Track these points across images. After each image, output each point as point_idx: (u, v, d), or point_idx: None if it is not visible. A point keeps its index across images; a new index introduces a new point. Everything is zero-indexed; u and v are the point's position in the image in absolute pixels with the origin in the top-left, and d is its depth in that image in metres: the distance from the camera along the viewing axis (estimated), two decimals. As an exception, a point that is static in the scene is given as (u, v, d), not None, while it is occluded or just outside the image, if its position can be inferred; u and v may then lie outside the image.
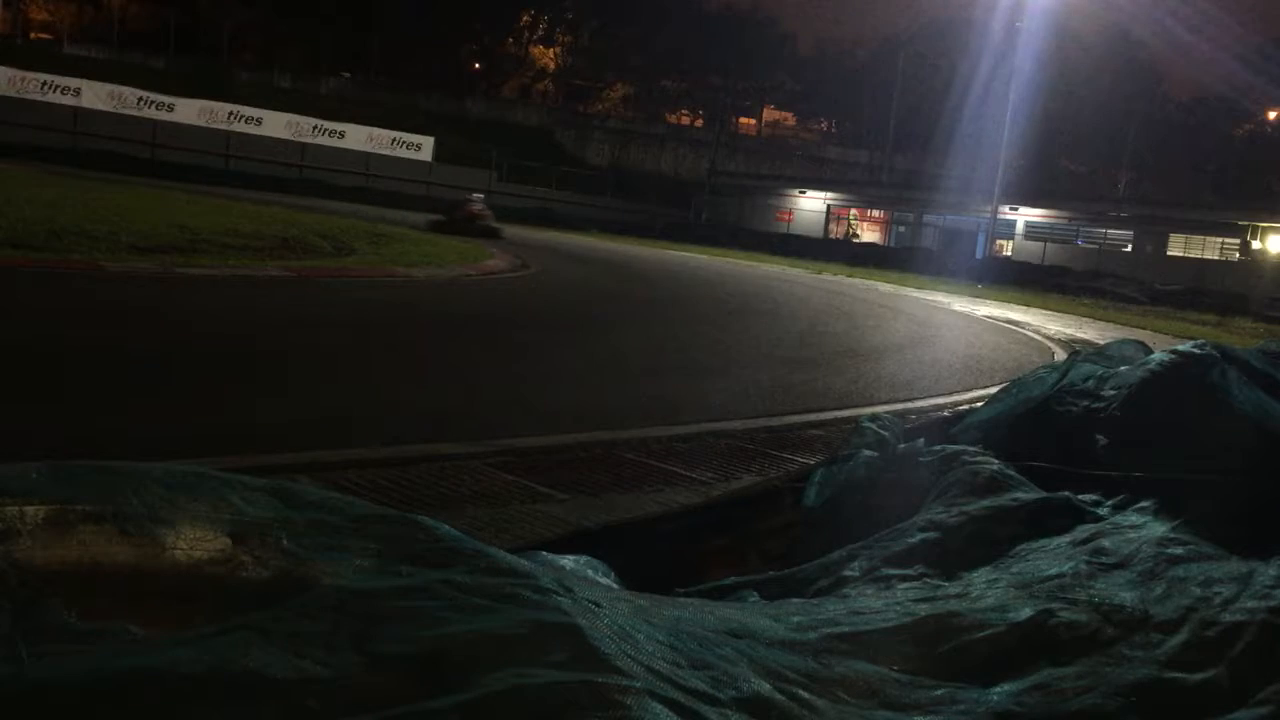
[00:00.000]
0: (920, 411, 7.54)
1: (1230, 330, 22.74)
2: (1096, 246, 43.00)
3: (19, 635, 1.27)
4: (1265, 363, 3.08)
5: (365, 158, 45.06)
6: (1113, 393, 3.08)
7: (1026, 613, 1.96)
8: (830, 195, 51.73)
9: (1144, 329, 19.14)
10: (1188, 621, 1.94)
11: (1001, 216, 41.30)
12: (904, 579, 2.29)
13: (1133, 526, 2.43)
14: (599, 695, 1.24)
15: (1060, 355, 11.88)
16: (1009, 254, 43.58)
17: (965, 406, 5.43)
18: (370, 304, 11.54)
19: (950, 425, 3.40)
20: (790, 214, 51.30)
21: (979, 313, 20.78)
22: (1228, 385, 2.92)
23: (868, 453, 3.01)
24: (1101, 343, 5.04)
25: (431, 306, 12.07)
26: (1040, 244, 43.60)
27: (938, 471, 2.76)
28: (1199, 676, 1.80)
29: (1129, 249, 42.72)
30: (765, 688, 1.51)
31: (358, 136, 46.19)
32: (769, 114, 74.98)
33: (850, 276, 29.92)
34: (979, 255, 41.22)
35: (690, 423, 6.45)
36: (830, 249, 43.01)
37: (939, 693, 1.73)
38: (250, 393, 6.13)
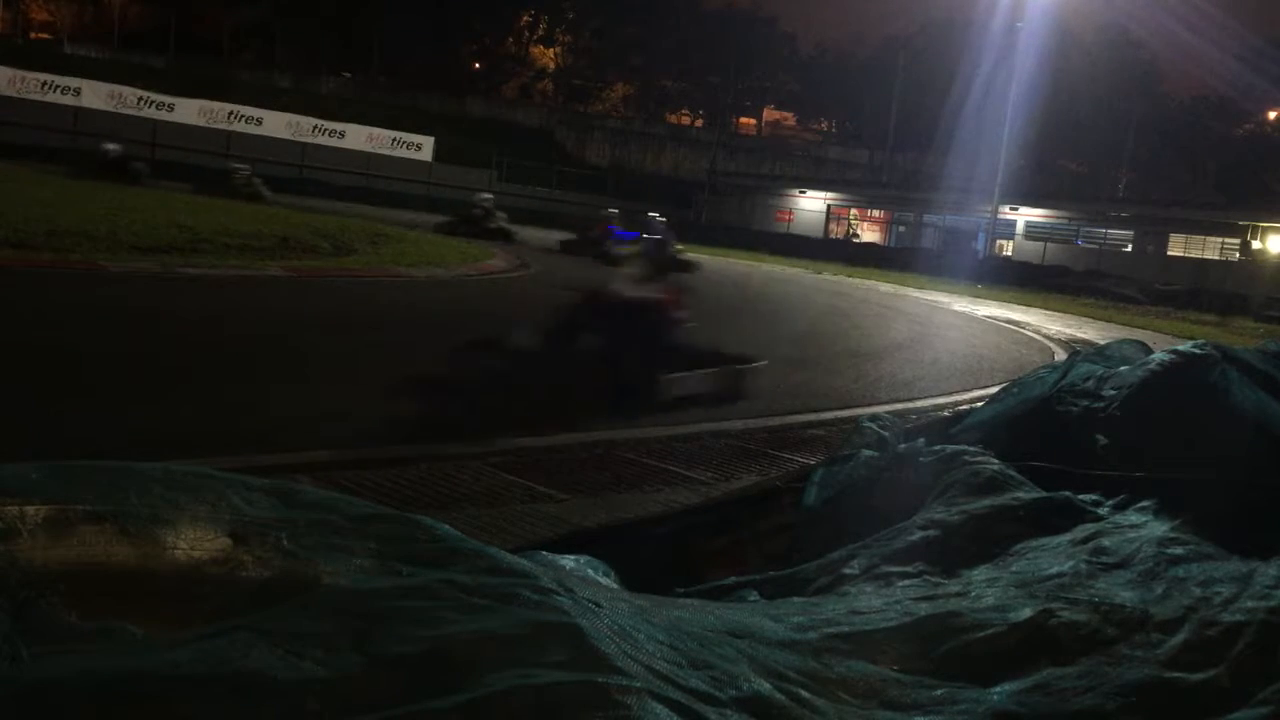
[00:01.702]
0: (921, 411, 7.55)
1: (1230, 330, 22.74)
2: (1096, 246, 42.97)
3: (19, 635, 1.27)
4: (1265, 363, 3.08)
5: (365, 158, 45.02)
6: (1113, 393, 3.08)
7: (1027, 613, 1.96)
8: (830, 195, 51.70)
9: (1144, 329, 19.14)
10: (1188, 621, 1.94)
11: (1001, 216, 41.29)
12: (904, 576, 2.29)
13: (1133, 526, 2.43)
14: (600, 695, 1.24)
15: (1060, 355, 11.89)
16: (1009, 254, 43.56)
17: (966, 406, 5.43)
18: (371, 304, 11.54)
19: (951, 425, 3.40)
20: (790, 214, 51.27)
21: (979, 313, 20.78)
22: (1228, 385, 2.92)
23: (868, 452, 3.01)
24: (1101, 342, 5.03)
25: (432, 306, 12.07)
26: (1040, 244, 43.56)
27: (938, 471, 2.76)
28: (1199, 676, 1.80)
29: (1129, 249, 42.69)
30: (765, 688, 1.51)
31: (358, 136, 46.14)
32: (769, 114, 74.97)
33: (850, 276, 29.91)
34: (979, 255, 41.21)
35: (690, 423, 6.45)
36: (830, 249, 42.96)
37: (939, 693, 1.73)
38: (249, 392, 6.12)
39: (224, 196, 26.67)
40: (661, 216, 24.60)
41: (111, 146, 30.42)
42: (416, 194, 41.76)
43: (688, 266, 22.04)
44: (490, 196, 28.21)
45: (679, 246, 22.59)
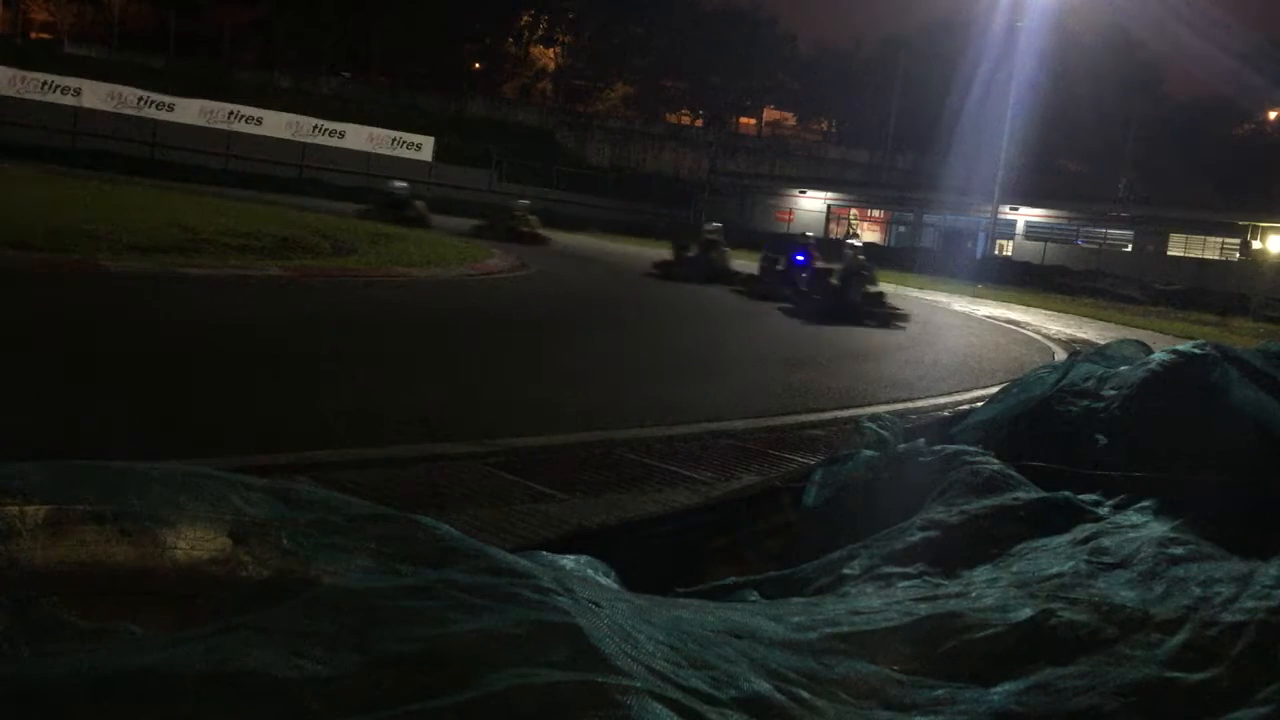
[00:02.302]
0: (920, 411, 7.55)
1: (1230, 330, 22.74)
2: (1096, 246, 43.00)
3: (19, 635, 1.27)
4: (1265, 363, 3.08)
5: (365, 158, 45.04)
6: (1113, 393, 3.08)
7: (1027, 612, 1.96)
8: (830, 195, 51.75)
9: (1144, 329, 19.13)
10: (1188, 621, 1.94)
11: (1001, 216, 41.29)
12: (904, 577, 2.29)
13: (1133, 526, 2.43)
14: (599, 695, 1.24)
15: (1060, 355, 11.88)
16: (1009, 254, 43.58)
17: (965, 406, 5.43)
18: (371, 303, 11.54)
19: (950, 425, 3.40)
20: (790, 214, 51.30)
21: (979, 313, 20.77)
22: (1228, 385, 2.92)
23: (868, 452, 3.00)
24: (1101, 342, 5.04)
25: (433, 306, 12.07)
26: (1040, 244, 43.59)
27: (938, 471, 2.76)
28: (1199, 676, 1.80)
29: (1129, 249, 42.71)
30: (765, 688, 1.51)
31: (358, 136, 46.17)
32: (769, 114, 74.94)
33: (850, 276, 29.84)
34: (979, 255, 41.21)
35: (690, 423, 6.45)
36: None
37: (939, 693, 1.73)
38: (249, 393, 6.13)
39: (505, 240, 23.83)
40: (855, 240, 17.84)
41: (399, 184, 28.97)
42: (417, 194, 41.72)
43: (889, 316, 14.95)
44: (718, 225, 21.73)
45: (877, 284, 15.74)
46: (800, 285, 16.20)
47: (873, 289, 15.33)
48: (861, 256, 15.97)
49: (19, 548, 1.39)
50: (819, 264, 16.77)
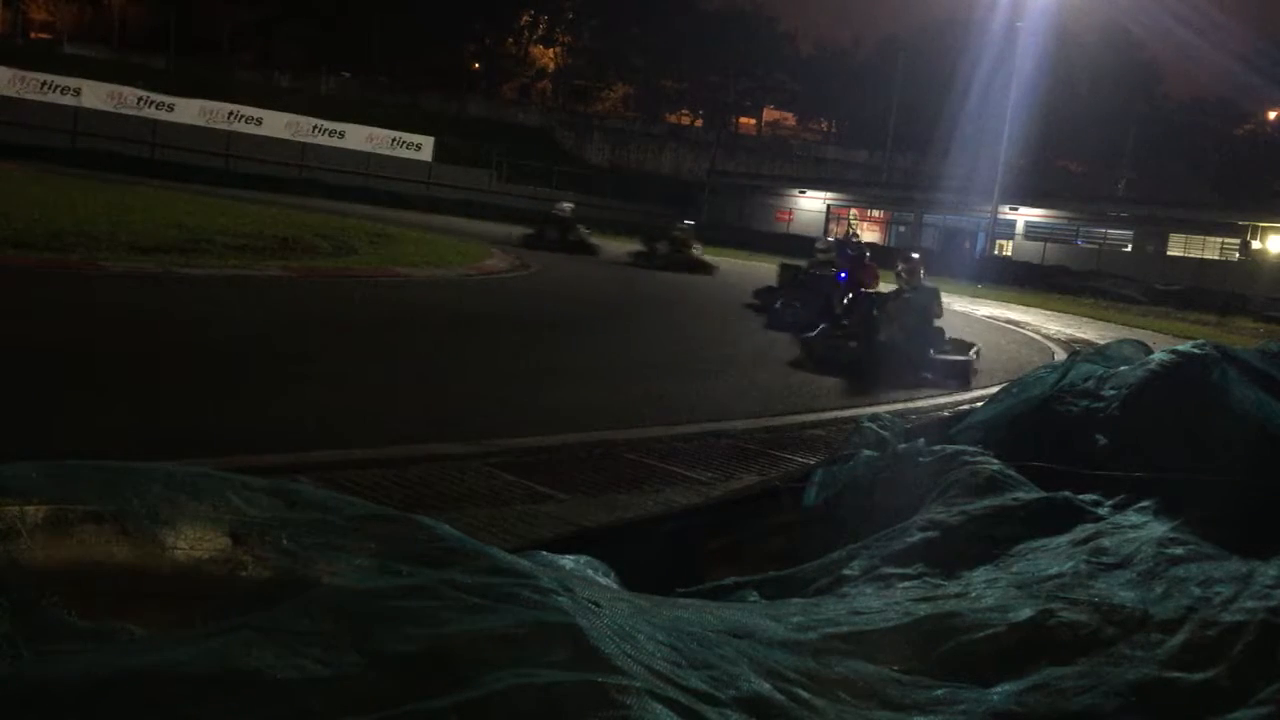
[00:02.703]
0: (920, 411, 7.55)
1: (1230, 330, 22.73)
2: (1096, 246, 42.97)
3: (19, 635, 1.27)
4: (1265, 363, 3.08)
5: (365, 158, 45.01)
6: (1113, 393, 3.08)
7: (1026, 613, 1.96)
8: (830, 195, 51.72)
9: (1144, 329, 19.13)
10: (1188, 621, 1.94)
11: (1001, 216, 41.27)
12: (904, 578, 2.29)
13: (1133, 526, 2.42)
14: (599, 695, 1.24)
15: (1060, 355, 11.87)
16: (1009, 254, 43.57)
17: (965, 406, 5.43)
18: (371, 304, 11.53)
19: (950, 425, 3.40)
20: (790, 214, 51.28)
21: (979, 313, 20.76)
22: (1228, 385, 2.92)
23: (868, 453, 3.01)
24: (1101, 343, 5.04)
25: (433, 306, 12.06)
26: (1040, 244, 43.56)
27: (938, 471, 2.76)
28: (1199, 676, 1.80)
29: (1129, 249, 42.68)
30: (765, 688, 1.51)
31: (358, 136, 46.12)
32: (769, 114, 74.91)
33: (850, 276, 29.79)
34: (979, 255, 41.19)
35: (690, 423, 6.46)
36: (830, 249, 42.84)
37: (939, 693, 1.73)
38: (250, 393, 6.12)
39: (674, 269, 20.68)
40: (914, 254, 11.65)
41: (564, 205, 24.24)
42: (416, 194, 41.72)
43: (957, 368, 9.76)
44: (831, 240, 17.01)
45: (941, 313, 10.58)
46: (835, 307, 11.75)
47: (935, 322, 10.35)
48: (921, 270, 10.86)
49: (19, 548, 1.39)
50: (871, 287, 11.92)
